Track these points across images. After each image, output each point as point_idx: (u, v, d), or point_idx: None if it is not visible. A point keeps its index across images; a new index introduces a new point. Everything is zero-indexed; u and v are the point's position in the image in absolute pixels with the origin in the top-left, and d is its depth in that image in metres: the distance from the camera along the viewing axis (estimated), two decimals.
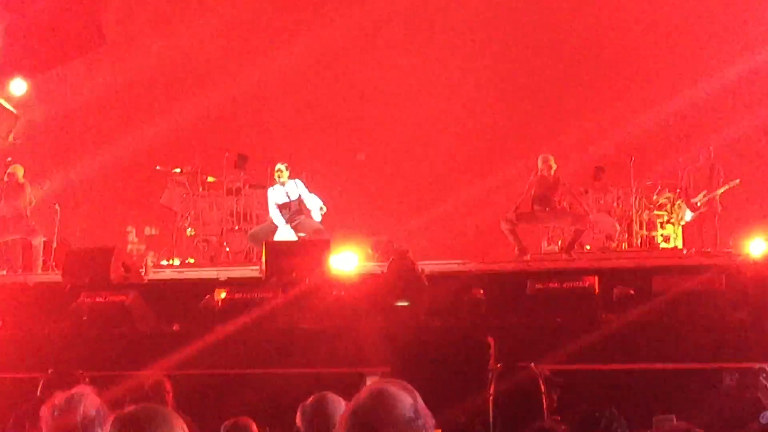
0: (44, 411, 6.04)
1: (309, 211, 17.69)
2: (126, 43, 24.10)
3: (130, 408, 4.78)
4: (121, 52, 23.85)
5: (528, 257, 16.85)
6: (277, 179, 17.63)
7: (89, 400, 6.08)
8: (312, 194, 17.63)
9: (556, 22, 22.75)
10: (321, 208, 17.59)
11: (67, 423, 6.00)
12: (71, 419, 5.99)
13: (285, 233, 17.47)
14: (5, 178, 18.42)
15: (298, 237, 17.45)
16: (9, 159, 19.30)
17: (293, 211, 17.55)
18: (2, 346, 13.74)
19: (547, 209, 17.25)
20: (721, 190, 18.82)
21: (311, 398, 6.63)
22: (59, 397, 6.06)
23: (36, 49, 22.36)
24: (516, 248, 16.90)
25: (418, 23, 23.74)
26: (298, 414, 6.59)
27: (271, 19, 24.17)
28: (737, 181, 18.86)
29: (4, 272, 18.12)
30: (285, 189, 17.60)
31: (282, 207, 17.58)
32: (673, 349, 12.54)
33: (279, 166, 17.66)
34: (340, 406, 6.40)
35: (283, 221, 17.47)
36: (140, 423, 4.69)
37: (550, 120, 21.42)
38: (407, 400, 4.73)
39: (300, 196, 17.52)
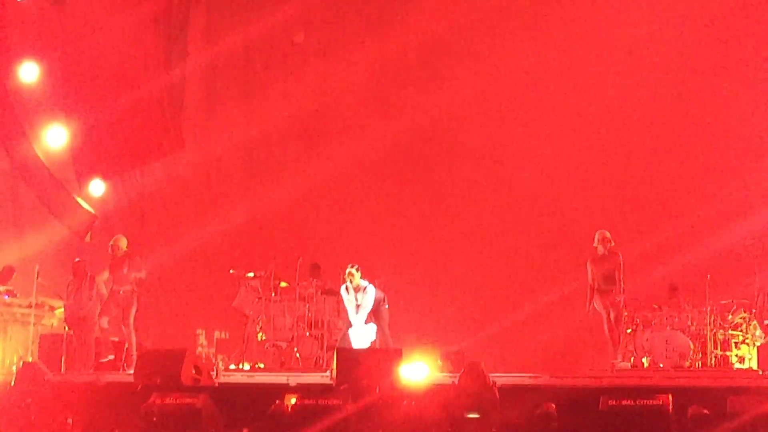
0: None
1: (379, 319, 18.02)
2: (201, 141, 24.44)
3: None
4: (196, 149, 24.15)
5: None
6: (348, 283, 17.89)
7: None
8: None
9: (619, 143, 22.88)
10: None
11: None
12: None
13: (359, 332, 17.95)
14: (109, 251, 18.75)
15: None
16: (77, 259, 19.46)
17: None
18: None
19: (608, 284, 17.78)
20: None
21: None
22: None
23: (116, 151, 22.71)
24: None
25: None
26: None
27: (337, 113, 24.54)
28: None
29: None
30: (356, 294, 17.88)
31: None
32: None
33: (350, 269, 17.93)
34: None
35: (357, 320, 17.79)
36: None
37: (623, 234, 21.31)
38: None
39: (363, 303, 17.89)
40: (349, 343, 18.02)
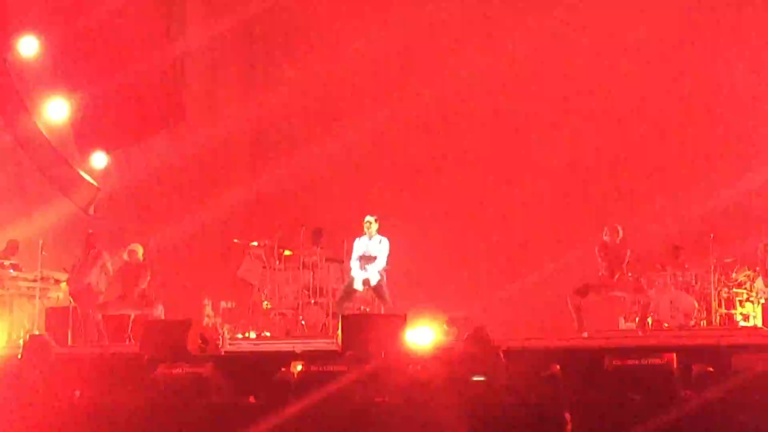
0: None
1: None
2: (205, 114, 24.41)
3: None
4: (200, 123, 24.13)
5: (585, 335, 16.85)
6: (365, 231, 17.84)
7: None
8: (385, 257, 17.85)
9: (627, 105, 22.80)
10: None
11: None
12: None
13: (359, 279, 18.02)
14: (125, 257, 18.80)
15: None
16: (90, 231, 19.58)
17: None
18: (79, 416, 13.83)
19: (614, 278, 17.36)
20: None
21: None
22: None
23: (118, 124, 22.69)
24: (575, 323, 17.00)
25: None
26: None
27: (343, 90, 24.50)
28: None
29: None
30: (369, 243, 17.84)
31: (362, 259, 17.84)
32: (755, 429, 12.33)
33: (368, 218, 17.90)
34: None
35: (359, 270, 17.95)
36: None
37: (628, 196, 21.34)
38: None
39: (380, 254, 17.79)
40: (347, 297, 18.15)
